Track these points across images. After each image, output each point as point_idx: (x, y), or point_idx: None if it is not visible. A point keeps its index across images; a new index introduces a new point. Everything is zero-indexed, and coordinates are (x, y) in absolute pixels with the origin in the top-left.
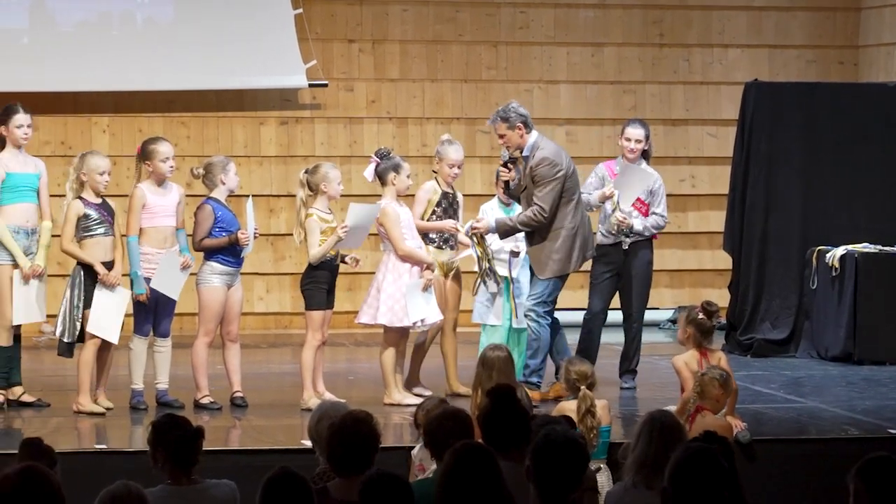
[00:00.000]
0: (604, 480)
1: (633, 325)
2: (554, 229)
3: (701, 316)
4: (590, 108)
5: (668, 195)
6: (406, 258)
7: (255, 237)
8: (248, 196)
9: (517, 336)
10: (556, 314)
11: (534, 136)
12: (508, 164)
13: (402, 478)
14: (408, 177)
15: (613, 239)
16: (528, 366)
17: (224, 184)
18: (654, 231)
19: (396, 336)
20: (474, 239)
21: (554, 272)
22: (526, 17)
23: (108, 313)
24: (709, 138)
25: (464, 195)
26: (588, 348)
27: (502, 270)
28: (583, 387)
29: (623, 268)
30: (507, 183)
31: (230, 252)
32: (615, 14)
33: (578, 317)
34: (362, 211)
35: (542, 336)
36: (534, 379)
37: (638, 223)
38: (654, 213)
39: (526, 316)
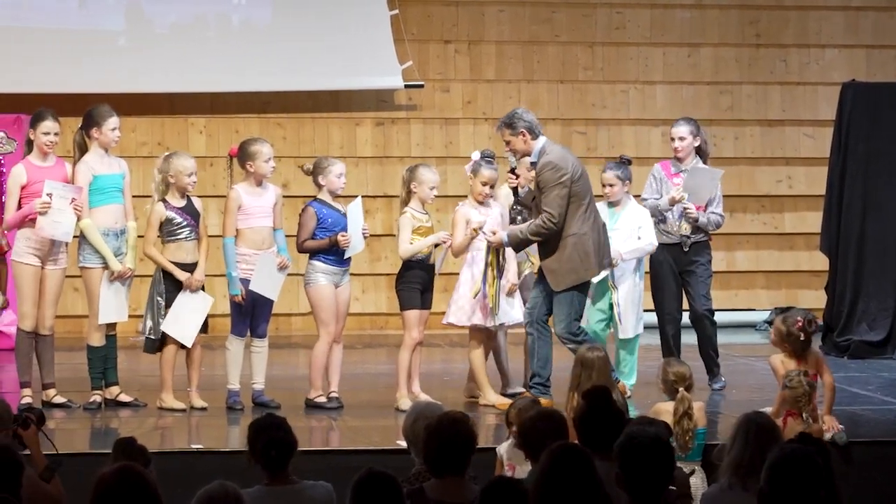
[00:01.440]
0: (698, 482)
1: (706, 324)
2: (563, 237)
3: (803, 338)
4: (686, 108)
5: (764, 196)
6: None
7: (364, 236)
8: (355, 196)
9: (624, 344)
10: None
11: (541, 141)
12: (515, 171)
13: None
14: (484, 184)
15: (674, 239)
16: None
17: (322, 186)
18: (714, 228)
19: (480, 335)
20: (488, 248)
21: (569, 283)
22: (622, 18)
23: (186, 316)
24: (805, 139)
25: None
26: (671, 351)
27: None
28: (681, 388)
29: (685, 268)
30: (514, 190)
31: (334, 251)
32: (712, 14)
33: (650, 318)
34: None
35: None
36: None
37: (702, 217)
38: (712, 212)
39: (563, 340)
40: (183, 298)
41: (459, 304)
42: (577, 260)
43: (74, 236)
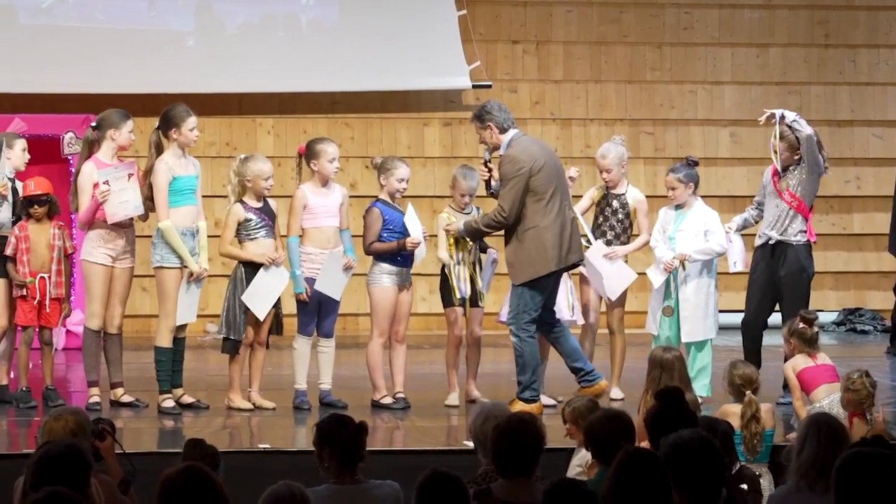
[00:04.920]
0: (766, 484)
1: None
2: (522, 231)
3: (801, 326)
4: (754, 109)
5: (833, 196)
6: None
7: (424, 239)
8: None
9: (690, 347)
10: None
11: (509, 134)
12: (488, 164)
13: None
14: None
15: (764, 238)
16: (519, 381)
17: (382, 186)
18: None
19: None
20: (449, 239)
21: (527, 276)
22: (690, 18)
23: (264, 290)
24: (874, 139)
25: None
26: (750, 353)
27: (656, 280)
28: (748, 391)
29: (775, 272)
30: (487, 183)
31: (400, 255)
32: (780, 14)
33: (731, 319)
34: None
35: (526, 350)
36: (527, 395)
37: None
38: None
39: (510, 332)
40: (262, 274)
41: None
42: (534, 253)
43: (147, 236)
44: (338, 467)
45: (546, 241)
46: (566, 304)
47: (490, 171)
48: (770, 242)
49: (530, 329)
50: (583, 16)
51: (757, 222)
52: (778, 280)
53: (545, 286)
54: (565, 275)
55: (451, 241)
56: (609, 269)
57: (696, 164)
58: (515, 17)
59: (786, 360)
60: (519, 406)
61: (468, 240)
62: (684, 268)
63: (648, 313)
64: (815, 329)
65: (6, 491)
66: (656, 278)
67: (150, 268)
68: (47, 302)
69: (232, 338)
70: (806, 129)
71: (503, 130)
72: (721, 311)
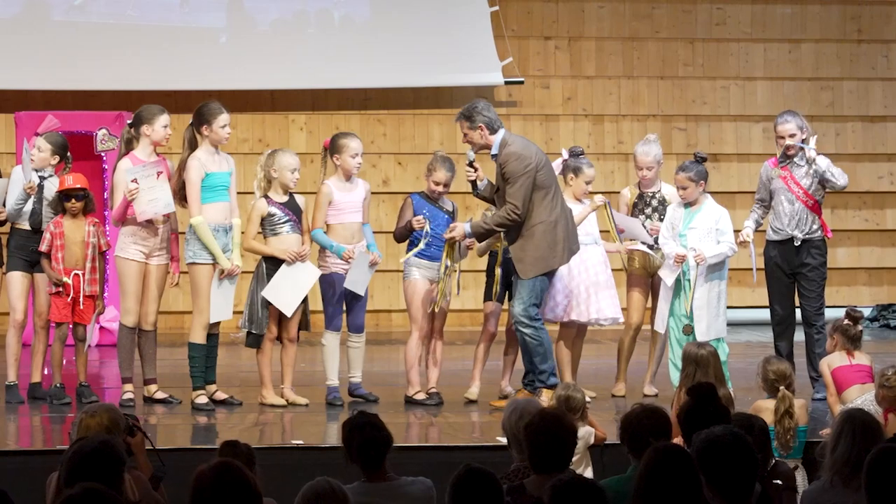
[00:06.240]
0: (799, 480)
1: (813, 330)
2: (530, 226)
3: (846, 322)
4: (787, 104)
5: (866, 192)
6: None
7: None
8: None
9: None
10: (740, 313)
11: (500, 134)
12: (474, 164)
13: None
14: (587, 183)
15: (784, 236)
16: (543, 371)
17: (427, 180)
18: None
19: (570, 331)
20: (446, 246)
21: (537, 271)
22: (723, 14)
23: (290, 286)
24: None
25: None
26: (784, 351)
27: (668, 278)
28: (782, 387)
29: (797, 269)
30: (473, 183)
31: (427, 246)
32: (813, 10)
33: (763, 315)
34: None
35: (544, 338)
36: (553, 381)
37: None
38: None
39: (518, 324)
40: (286, 269)
41: (556, 301)
42: (546, 248)
43: (181, 232)
44: (361, 467)
45: (557, 236)
46: (610, 303)
47: (476, 170)
48: (795, 244)
49: (539, 317)
50: (615, 11)
51: (764, 219)
52: (801, 273)
53: (552, 275)
54: (610, 273)
55: (448, 248)
56: (631, 224)
57: (704, 160)
58: (547, 13)
59: (827, 354)
60: (548, 394)
61: (465, 243)
62: (698, 266)
63: (657, 312)
64: (860, 327)
65: (40, 486)
66: (668, 276)
67: (183, 264)
68: (81, 299)
69: (254, 332)
70: (840, 181)
71: (493, 131)
72: (743, 308)
